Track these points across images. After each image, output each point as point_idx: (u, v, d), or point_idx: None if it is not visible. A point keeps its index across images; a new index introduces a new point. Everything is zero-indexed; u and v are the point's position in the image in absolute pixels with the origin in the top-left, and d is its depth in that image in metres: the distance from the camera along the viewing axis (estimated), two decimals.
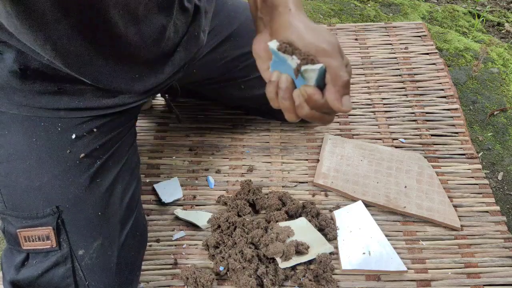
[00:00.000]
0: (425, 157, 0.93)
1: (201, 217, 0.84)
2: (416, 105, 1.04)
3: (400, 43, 1.20)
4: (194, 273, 0.74)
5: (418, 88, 1.08)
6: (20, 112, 0.65)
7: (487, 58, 1.21)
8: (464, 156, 0.94)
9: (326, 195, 0.88)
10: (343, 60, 0.51)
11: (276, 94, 0.54)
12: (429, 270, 0.77)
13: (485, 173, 0.93)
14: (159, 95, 1.02)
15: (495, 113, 1.08)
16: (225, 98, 0.99)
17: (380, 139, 0.98)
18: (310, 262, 0.77)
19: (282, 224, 0.80)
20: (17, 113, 0.65)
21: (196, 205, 0.88)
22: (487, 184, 0.89)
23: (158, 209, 0.87)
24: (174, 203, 0.88)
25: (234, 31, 0.85)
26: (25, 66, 0.61)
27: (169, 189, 0.89)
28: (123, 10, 0.57)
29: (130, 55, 0.64)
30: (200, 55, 0.80)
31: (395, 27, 1.25)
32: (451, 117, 1.02)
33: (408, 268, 0.77)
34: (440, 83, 1.09)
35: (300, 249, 0.76)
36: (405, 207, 0.84)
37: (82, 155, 0.66)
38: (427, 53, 1.17)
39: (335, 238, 0.81)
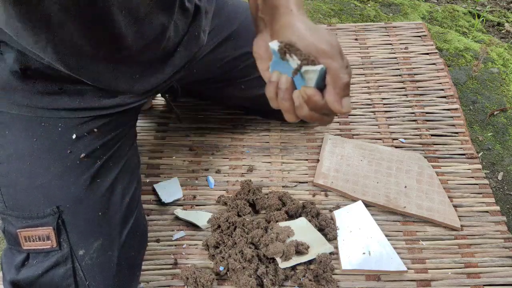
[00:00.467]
0: (425, 157, 0.93)
1: (201, 217, 0.84)
2: (416, 105, 1.05)
3: (400, 43, 1.20)
4: (194, 273, 0.74)
5: (418, 88, 1.08)
6: (21, 112, 0.65)
7: (487, 58, 1.21)
8: (464, 156, 0.94)
9: (326, 195, 0.88)
10: (344, 61, 0.51)
11: (276, 94, 0.54)
12: (429, 270, 0.77)
13: (485, 173, 0.93)
14: (159, 95, 1.02)
15: (495, 113, 1.08)
16: (225, 98, 0.99)
17: (380, 139, 0.98)
18: (310, 262, 0.77)
19: (282, 224, 0.80)
20: (18, 113, 0.65)
21: (196, 205, 0.88)
22: (487, 184, 0.89)
23: (158, 209, 0.87)
24: (174, 203, 0.88)
25: (234, 31, 0.85)
26: (25, 66, 0.62)
27: (169, 189, 0.89)
28: (125, 10, 0.57)
29: (130, 56, 0.64)
30: (200, 55, 0.80)
31: (395, 27, 1.25)
32: (451, 117, 1.02)
33: (408, 268, 0.77)
34: (440, 83, 1.09)
35: (300, 249, 0.76)
36: (405, 207, 0.84)
37: (83, 155, 0.66)
38: (427, 53, 1.17)
39: (335, 238, 0.81)
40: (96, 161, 0.68)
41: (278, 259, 0.75)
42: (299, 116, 0.54)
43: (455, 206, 0.85)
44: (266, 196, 0.86)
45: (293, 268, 0.77)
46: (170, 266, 0.79)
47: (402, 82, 1.10)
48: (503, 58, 1.21)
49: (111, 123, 0.71)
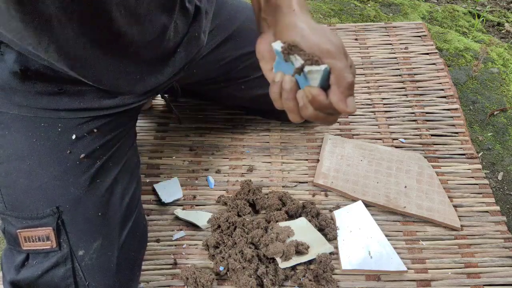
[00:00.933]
0: (425, 157, 0.93)
1: (201, 217, 0.84)
2: (416, 105, 1.04)
3: (400, 43, 1.20)
4: (194, 273, 0.74)
5: (418, 88, 1.08)
6: (21, 113, 0.65)
7: (487, 58, 1.21)
8: (464, 156, 0.94)
9: (326, 195, 0.88)
10: (348, 61, 0.51)
11: (280, 95, 0.53)
12: (429, 270, 0.77)
13: (485, 173, 0.93)
14: (159, 95, 1.02)
15: (495, 113, 1.08)
16: (225, 98, 0.99)
17: (380, 139, 0.98)
18: (310, 262, 0.77)
19: (282, 224, 0.80)
20: (18, 113, 0.65)
21: (196, 205, 0.88)
22: (487, 184, 0.89)
23: (158, 209, 0.87)
24: (174, 203, 0.88)
25: (234, 32, 0.85)
26: (25, 67, 0.62)
27: (169, 189, 0.89)
28: (124, 10, 0.57)
29: (131, 56, 0.64)
30: (200, 56, 0.80)
31: (395, 27, 1.25)
32: (451, 117, 1.02)
33: (408, 268, 0.77)
34: (440, 83, 1.09)
35: (300, 249, 0.76)
36: (405, 207, 0.84)
37: (82, 155, 0.66)
38: (427, 53, 1.17)
39: (335, 238, 0.81)
40: (96, 161, 0.68)
41: (278, 259, 0.75)
42: (303, 116, 0.54)
43: (455, 206, 0.85)
44: (266, 196, 0.86)
45: (293, 268, 0.77)
46: (170, 266, 0.79)
47: (402, 82, 1.10)
48: (503, 58, 1.21)
49: (111, 124, 0.71)
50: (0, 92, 0.64)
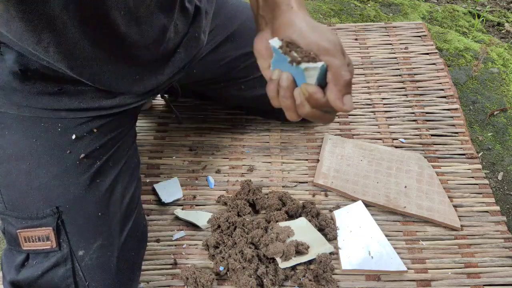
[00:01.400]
0: (425, 157, 0.93)
1: (201, 217, 0.84)
2: (416, 105, 1.04)
3: (400, 43, 1.20)
4: (194, 273, 0.74)
5: (418, 88, 1.08)
6: (20, 113, 0.65)
7: (487, 58, 1.21)
8: (464, 156, 0.94)
9: (326, 195, 0.88)
10: (345, 59, 0.51)
11: (277, 92, 0.53)
12: (429, 270, 0.77)
13: (485, 173, 0.93)
14: (159, 95, 1.02)
15: (495, 113, 1.08)
16: (225, 98, 0.99)
17: (380, 139, 0.98)
18: (310, 262, 0.77)
19: (282, 224, 0.80)
20: (17, 113, 0.65)
21: (196, 205, 0.88)
22: (487, 184, 0.89)
23: (158, 209, 0.87)
24: (174, 203, 0.88)
25: (234, 32, 0.85)
26: (25, 67, 0.61)
27: (169, 189, 0.89)
28: (124, 10, 0.57)
29: (131, 56, 0.64)
30: (200, 56, 0.80)
31: (395, 27, 1.25)
32: (451, 117, 1.02)
33: (408, 268, 0.77)
34: (440, 83, 1.09)
35: (300, 249, 0.76)
36: (405, 207, 0.84)
37: (82, 155, 0.66)
38: (427, 53, 1.17)
39: (335, 238, 0.81)
40: (96, 161, 0.68)
41: (278, 259, 0.75)
42: (300, 114, 0.53)
43: (455, 206, 0.85)
44: (266, 196, 0.86)
45: (293, 268, 0.77)
46: (170, 266, 0.79)
47: (402, 82, 1.10)
48: (503, 58, 1.21)
49: (110, 124, 0.71)
50: (0, 92, 0.64)
